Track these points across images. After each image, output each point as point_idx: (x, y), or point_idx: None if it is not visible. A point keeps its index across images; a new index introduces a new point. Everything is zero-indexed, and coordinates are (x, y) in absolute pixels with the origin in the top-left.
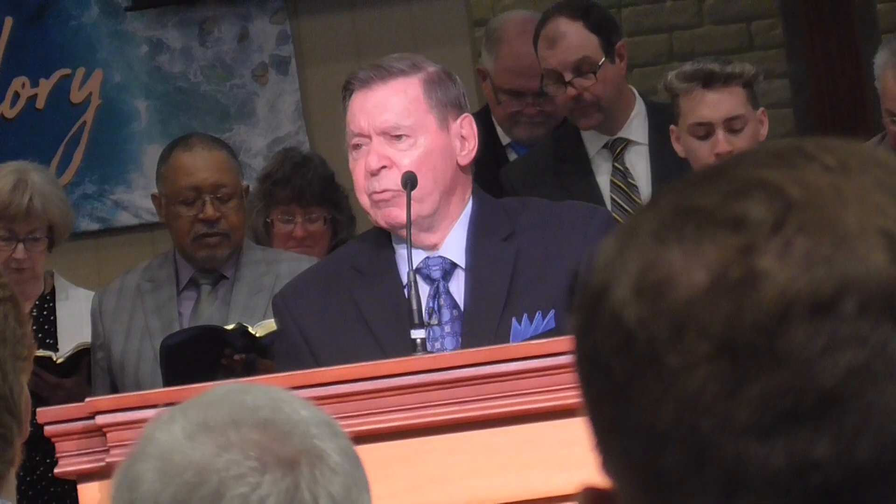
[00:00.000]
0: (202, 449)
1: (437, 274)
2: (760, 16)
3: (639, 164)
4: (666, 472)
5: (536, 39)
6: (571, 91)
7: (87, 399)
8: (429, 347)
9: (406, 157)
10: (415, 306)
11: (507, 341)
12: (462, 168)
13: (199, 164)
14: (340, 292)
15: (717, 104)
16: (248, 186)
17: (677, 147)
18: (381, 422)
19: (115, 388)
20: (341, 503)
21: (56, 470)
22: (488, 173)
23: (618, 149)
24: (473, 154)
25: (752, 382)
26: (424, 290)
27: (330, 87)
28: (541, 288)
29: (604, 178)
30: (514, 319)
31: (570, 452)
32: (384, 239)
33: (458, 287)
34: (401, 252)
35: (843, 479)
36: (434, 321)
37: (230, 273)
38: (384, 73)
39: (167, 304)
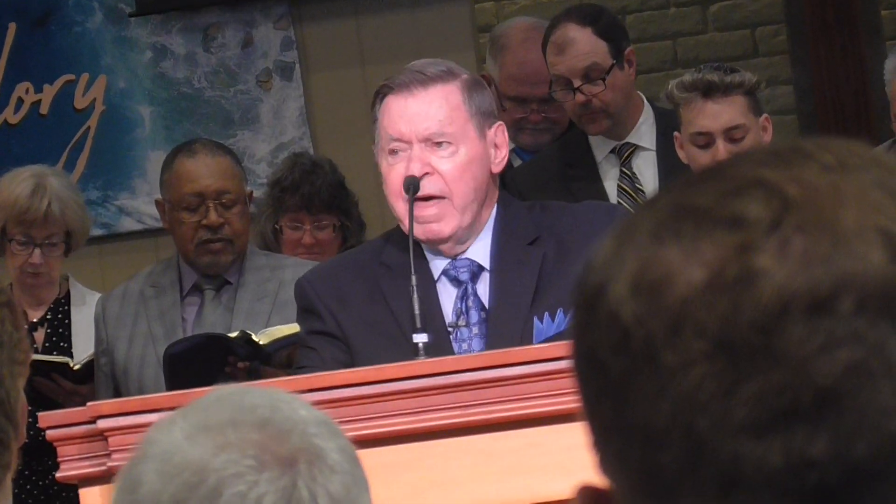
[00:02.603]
0: (200, 449)
1: (465, 276)
2: (765, 22)
3: (646, 170)
4: (662, 471)
5: (545, 45)
6: (580, 97)
7: (89, 403)
8: (456, 349)
9: (447, 163)
10: (417, 311)
11: (532, 342)
12: (493, 176)
13: (203, 171)
14: (369, 284)
15: (717, 114)
16: (251, 192)
17: (681, 153)
18: (383, 426)
19: (118, 393)
20: (340, 502)
21: (58, 474)
22: None
23: (625, 154)
24: (505, 162)
25: (749, 381)
26: (452, 291)
27: (334, 93)
28: (562, 287)
29: (611, 183)
30: (535, 318)
31: (573, 457)
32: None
33: (484, 289)
34: (428, 250)
35: (840, 477)
36: (462, 322)
37: (234, 278)
38: (424, 78)
39: (171, 309)
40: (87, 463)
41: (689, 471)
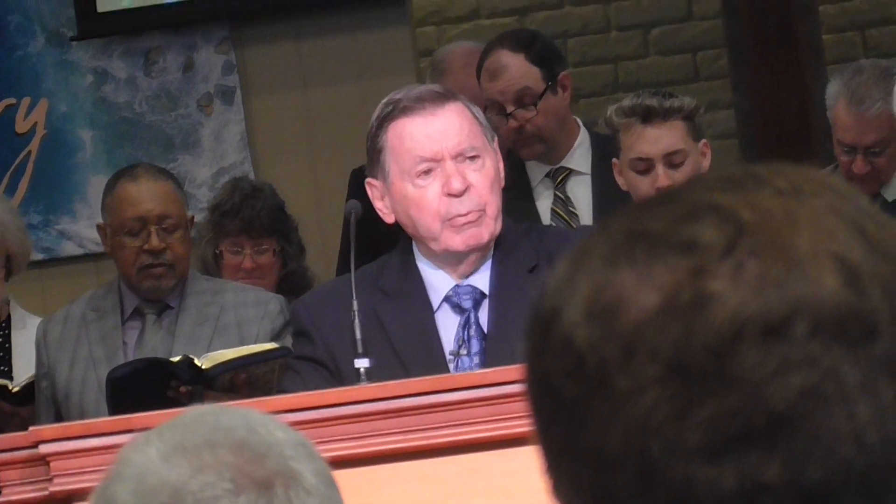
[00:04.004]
0: (177, 470)
1: (467, 304)
2: (706, 46)
3: (581, 194)
4: (616, 495)
5: (479, 71)
6: (513, 122)
7: (31, 428)
8: None
9: (479, 176)
10: (358, 335)
11: None
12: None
13: (145, 195)
14: (365, 312)
15: (656, 139)
16: (192, 217)
17: (620, 180)
18: (326, 451)
19: (59, 417)
20: None
21: (0, 499)
22: None
23: (559, 177)
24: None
25: (703, 405)
26: (454, 319)
27: (275, 117)
28: None
29: (544, 205)
30: None
31: (516, 482)
32: (409, 262)
33: (485, 317)
34: (428, 275)
35: (793, 501)
36: (463, 351)
37: (175, 303)
38: (435, 96)
39: (112, 333)
40: (29, 488)
41: (643, 495)
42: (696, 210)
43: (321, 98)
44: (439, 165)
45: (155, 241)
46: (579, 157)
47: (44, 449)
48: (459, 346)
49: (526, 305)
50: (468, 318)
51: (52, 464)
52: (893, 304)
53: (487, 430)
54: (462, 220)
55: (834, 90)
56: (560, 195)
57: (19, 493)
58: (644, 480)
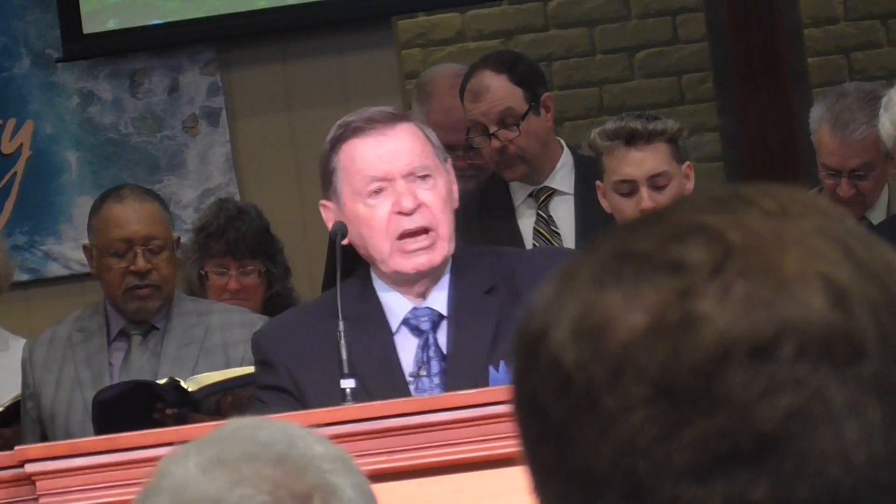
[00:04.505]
0: (215, 483)
1: (425, 325)
2: (691, 70)
3: (563, 214)
4: None
5: (462, 91)
6: (496, 143)
7: (17, 447)
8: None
9: (431, 195)
10: (344, 356)
11: None
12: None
13: (131, 216)
14: (326, 337)
15: (640, 162)
16: (178, 238)
17: (604, 203)
18: None
19: (44, 438)
20: None
21: None
22: None
23: (542, 197)
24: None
25: (690, 425)
26: (413, 341)
27: (261, 138)
28: None
29: (527, 224)
30: (490, 367)
31: (503, 502)
32: (368, 287)
33: (444, 338)
34: (386, 300)
35: None
36: (423, 372)
37: (161, 324)
38: (386, 116)
39: (98, 354)
40: None
41: None
42: (684, 231)
43: (307, 120)
44: (390, 185)
45: (141, 263)
46: (562, 177)
47: (29, 468)
48: (419, 368)
49: (483, 326)
50: (427, 340)
51: (37, 483)
52: (881, 325)
53: (474, 450)
54: (414, 244)
55: (817, 114)
56: (543, 215)
57: None
58: (631, 501)
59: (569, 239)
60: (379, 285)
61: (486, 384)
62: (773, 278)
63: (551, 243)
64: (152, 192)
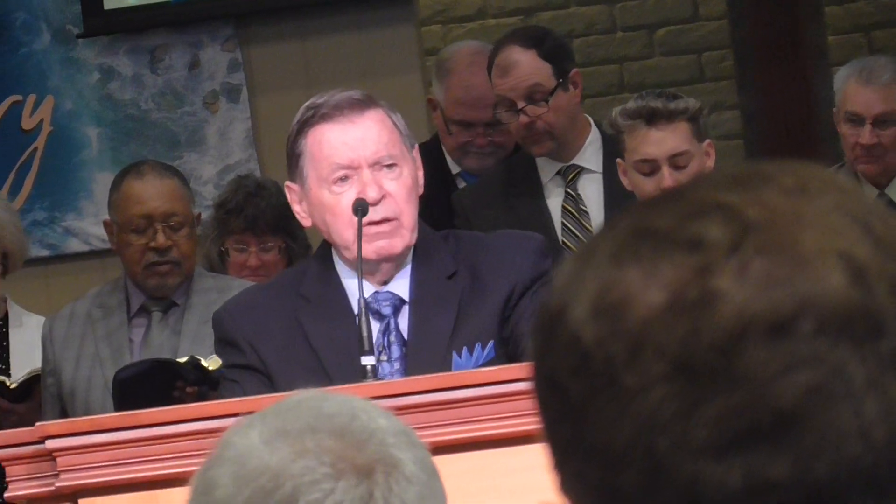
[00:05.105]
0: (278, 454)
1: (387, 310)
2: (711, 47)
3: (591, 191)
4: (623, 493)
5: (490, 67)
6: (524, 119)
7: (37, 424)
8: None
9: (396, 185)
10: (365, 333)
11: None
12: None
13: (151, 192)
14: (287, 317)
15: (661, 141)
16: (199, 214)
17: (624, 180)
18: None
19: (64, 415)
20: None
21: (6, 494)
22: (438, 202)
23: (570, 175)
24: (423, 184)
25: (709, 402)
26: (375, 325)
27: (281, 115)
28: (479, 320)
29: (555, 203)
30: (454, 353)
31: (524, 479)
32: (329, 268)
33: (405, 323)
34: (347, 282)
35: (800, 499)
36: (384, 357)
37: (181, 300)
38: (354, 103)
39: (118, 330)
40: (35, 483)
41: (649, 492)
42: (702, 208)
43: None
44: (356, 173)
45: (161, 239)
46: (590, 154)
47: (50, 444)
48: (380, 353)
49: (445, 312)
50: (388, 325)
51: (58, 459)
52: None
53: (496, 427)
54: (375, 229)
55: (843, 74)
56: (571, 193)
57: (25, 488)
58: (650, 478)
59: (597, 217)
60: (342, 269)
61: (447, 370)
62: (792, 255)
63: (580, 222)
64: (172, 168)
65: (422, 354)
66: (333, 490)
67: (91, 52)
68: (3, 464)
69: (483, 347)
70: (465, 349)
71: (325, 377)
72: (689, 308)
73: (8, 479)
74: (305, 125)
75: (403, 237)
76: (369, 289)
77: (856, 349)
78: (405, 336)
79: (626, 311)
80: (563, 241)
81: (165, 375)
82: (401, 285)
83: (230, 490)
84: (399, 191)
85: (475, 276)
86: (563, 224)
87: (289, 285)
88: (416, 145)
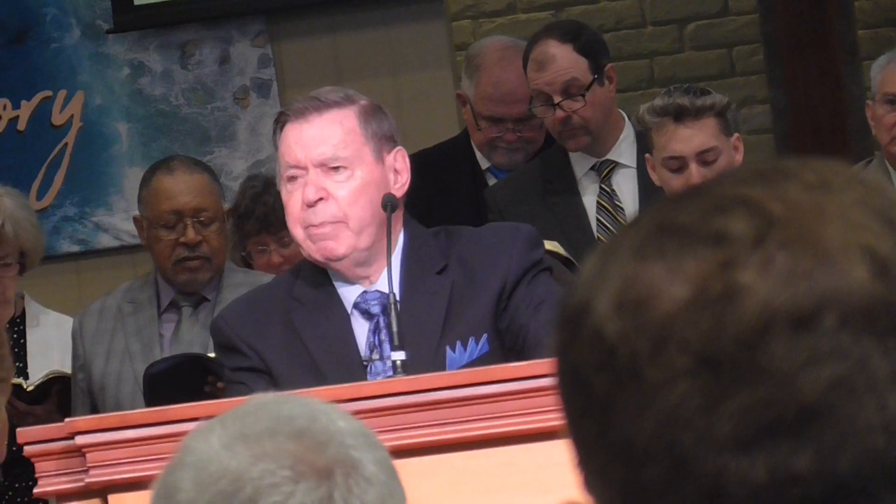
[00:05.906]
0: (238, 458)
1: (376, 309)
2: (741, 42)
3: (626, 187)
4: (646, 488)
5: (526, 61)
6: (560, 113)
7: (67, 419)
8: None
9: (343, 188)
10: (395, 328)
11: (444, 371)
12: (400, 201)
13: (181, 188)
14: (281, 321)
15: (688, 138)
16: (229, 209)
17: (653, 175)
18: None
19: (94, 410)
20: None
21: (35, 490)
22: (467, 197)
23: (605, 171)
24: (406, 187)
25: (733, 396)
26: (364, 325)
27: None
28: (471, 314)
29: (590, 199)
30: (447, 348)
31: (550, 475)
32: (320, 273)
33: (395, 320)
34: (339, 285)
35: (823, 492)
36: (376, 356)
37: (211, 295)
38: (319, 104)
39: (148, 325)
40: (64, 479)
41: (673, 487)
42: (726, 203)
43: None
44: (304, 173)
45: (191, 234)
46: (625, 149)
47: (80, 440)
48: (371, 352)
49: (436, 306)
50: (377, 324)
51: (87, 455)
52: None
53: (522, 423)
54: (315, 231)
55: (883, 60)
56: (605, 188)
57: (55, 483)
58: (674, 472)
59: (632, 213)
60: (330, 271)
61: (440, 365)
62: (815, 250)
63: (615, 217)
64: (202, 163)
65: (414, 350)
66: (293, 493)
67: (121, 47)
68: (33, 460)
69: (477, 341)
70: (458, 343)
71: (321, 377)
72: (712, 302)
73: (38, 475)
74: (278, 122)
75: (347, 240)
76: (357, 289)
77: (879, 343)
78: (396, 333)
79: (649, 305)
80: (598, 237)
81: (196, 370)
82: (389, 284)
83: (191, 494)
84: (345, 195)
85: (466, 270)
86: (598, 220)
87: (283, 288)
88: (398, 150)
